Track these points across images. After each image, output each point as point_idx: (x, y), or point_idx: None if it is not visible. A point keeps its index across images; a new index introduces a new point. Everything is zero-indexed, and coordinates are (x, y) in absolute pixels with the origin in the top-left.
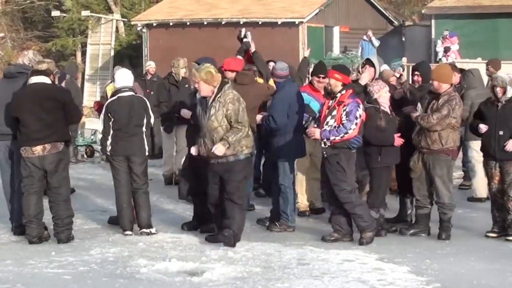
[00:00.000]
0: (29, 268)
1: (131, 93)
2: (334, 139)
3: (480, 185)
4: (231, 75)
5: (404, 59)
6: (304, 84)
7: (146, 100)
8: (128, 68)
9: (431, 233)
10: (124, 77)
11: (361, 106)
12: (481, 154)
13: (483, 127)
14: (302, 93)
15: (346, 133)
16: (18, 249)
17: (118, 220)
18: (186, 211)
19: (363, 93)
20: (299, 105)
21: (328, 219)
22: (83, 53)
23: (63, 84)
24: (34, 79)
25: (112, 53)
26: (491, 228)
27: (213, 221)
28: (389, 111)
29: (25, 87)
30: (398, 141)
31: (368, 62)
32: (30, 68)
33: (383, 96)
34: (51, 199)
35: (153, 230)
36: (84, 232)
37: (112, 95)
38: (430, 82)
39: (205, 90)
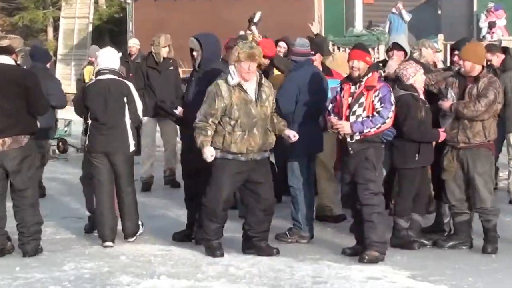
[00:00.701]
0: None
1: (111, 76)
2: (369, 131)
3: None
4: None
5: (441, 36)
6: None
7: (129, 85)
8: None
9: (473, 245)
10: (106, 57)
11: (391, 91)
12: None
13: None
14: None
15: (384, 122)
16: None
17: (97, 228)
18: (179, 217)
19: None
20: (315, 92)
21: (349, 228)
22: (56, 29)
23: (48, 65)
24: None
25: (90, 28)
26: None
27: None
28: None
29: None
30: (443, 136)
31: (396, 46)
32: None
33: (418, 81)
34: (16, 203)
35: (140, 231)
36: (55, 243)
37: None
38: (459, 64)
39: (255, 72)
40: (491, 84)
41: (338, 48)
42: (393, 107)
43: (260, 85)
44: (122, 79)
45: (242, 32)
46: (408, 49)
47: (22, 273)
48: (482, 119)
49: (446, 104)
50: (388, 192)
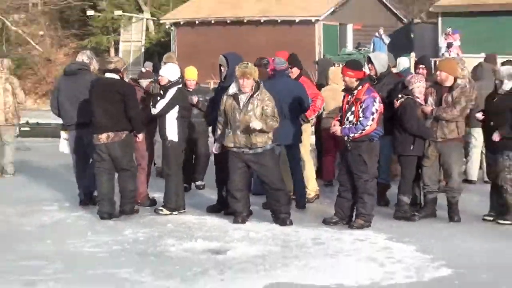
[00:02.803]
0: (68, 247)
1: (178, 86)
2: (354, 135)
3: (473, 169)
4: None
5: (413, 55)
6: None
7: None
8: (157, 65)
9: (437, 216)
10: (171, 71)
11: (377, 100)
12: (479, 140)
13: (478, 116)
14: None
15: (363, 129)
16: (58, 229)
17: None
18: (212, 195)
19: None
20: (286, 95)
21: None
22: (116, 50)
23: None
24: (106, 75)
25: (143, 50)
26: (488, 212)
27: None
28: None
29: (96, 82)
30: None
31: (369, 60)
32: (88, 65)
33: (415, 89)
34: (119, 178)
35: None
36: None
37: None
38: (437, 74)
39: (249, 86)
40: (463, 93)
41: (334, 64)
42: (373, 116)
43: (251, 97)
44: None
45: None
46: (378, 65)
47: (93, 237)
48: (456, 120)
49: (427, 109)
50: None
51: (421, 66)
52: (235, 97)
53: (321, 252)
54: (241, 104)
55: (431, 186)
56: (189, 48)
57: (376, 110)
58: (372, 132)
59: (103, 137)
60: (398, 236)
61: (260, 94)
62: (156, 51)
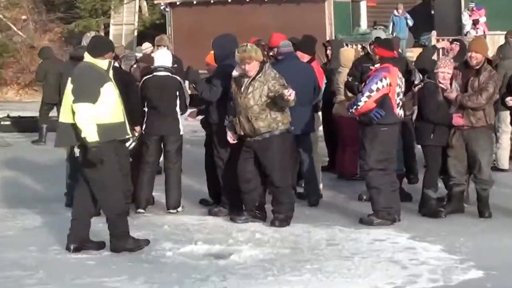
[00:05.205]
0: (52, 254)
1: (166, 73)
2: (351, 110)
3: (503, 156)
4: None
5: (434, 33)
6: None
7: (180, 80)
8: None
9: (464, 211)
10: (163, 57)
11: (383, 80)
12: (509, 125)
13: (509, 100)
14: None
15: (358, 105)
16: (42, 234)
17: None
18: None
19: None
20: (300, 81)
21: (358, 197)
22: (106, 34)
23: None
24: None
25: (136, 33)
26: None
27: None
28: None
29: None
30: (459, 120)
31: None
32: None
33: (440, 74)
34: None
35: (180, 209)
36: None
37: (148, 73)
38: (469, 55)
39: (253, 69)
40: (491, 78)
41: (347, 44)
42: (371, 93)
43: (253, 79)
44: (175, 76)
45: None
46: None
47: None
48: (483, 108)
49: (452, 95)
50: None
51: (455, 42)
52: (237, 80)
53: (335, 254)
54: (242, 87)
55: (457, 178)
56: (187, 31)
57: (378, 89)
58: (369, 111)
59: None
60: (422, 234)
61: (263, 75)
62: (150, 35)
